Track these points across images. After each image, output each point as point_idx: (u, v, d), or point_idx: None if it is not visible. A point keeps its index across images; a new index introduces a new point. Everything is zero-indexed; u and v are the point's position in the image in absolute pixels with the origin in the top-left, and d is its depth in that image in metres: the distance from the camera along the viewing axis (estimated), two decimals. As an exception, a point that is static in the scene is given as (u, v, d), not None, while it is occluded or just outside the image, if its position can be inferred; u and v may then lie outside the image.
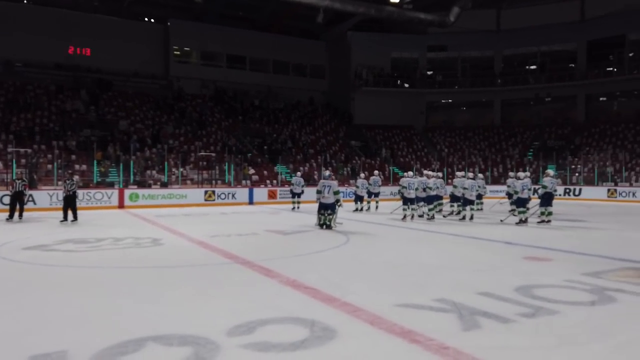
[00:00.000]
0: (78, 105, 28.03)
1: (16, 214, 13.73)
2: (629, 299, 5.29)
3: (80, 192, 18.48)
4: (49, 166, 21.35)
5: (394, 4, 28.60)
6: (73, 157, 22.81)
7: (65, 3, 29.57)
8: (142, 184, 21.89)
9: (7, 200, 14.80)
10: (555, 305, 5.00)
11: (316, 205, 12.26)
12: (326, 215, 11.85)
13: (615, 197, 24.24)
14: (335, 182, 12.54)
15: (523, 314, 4.72)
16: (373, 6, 28.34)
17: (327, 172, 13.11)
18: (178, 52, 34.75)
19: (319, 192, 12.06)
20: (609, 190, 24.90)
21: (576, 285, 5.89)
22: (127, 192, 19.68)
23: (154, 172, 23.52)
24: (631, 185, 25.41)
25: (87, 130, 25.94)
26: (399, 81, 37.97)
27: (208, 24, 34.02)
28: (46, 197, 17.68)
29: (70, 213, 13.18)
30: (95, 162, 21.61)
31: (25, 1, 30.22)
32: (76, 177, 15.45)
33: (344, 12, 29.39)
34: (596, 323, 4.49)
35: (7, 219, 13.57)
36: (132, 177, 21.97)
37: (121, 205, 19.24)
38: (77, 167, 21.99)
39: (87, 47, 31.30)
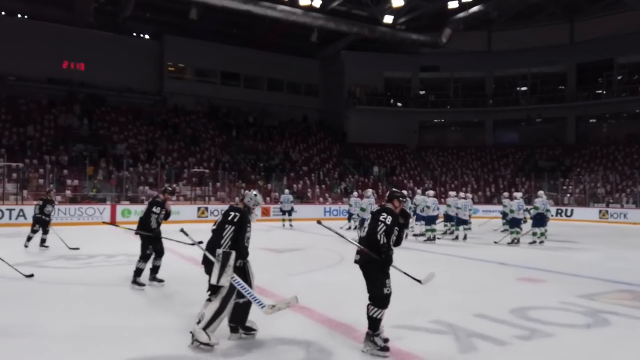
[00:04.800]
0: (71, 120, 27.92)
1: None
2: (623, 321, 5.31)
3: (71, 208, 18.41)
4: (40, 181, 21.17)
5: (387, 25, 28.96)
6: (65, 171, 22.65)
7: (60, 18, 29.54)
8: (134, 200, 21.74)
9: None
10: (550, 327, 5.01)
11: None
12: None
13: (607, 218, 24.36)
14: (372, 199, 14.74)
15: (519, 336, 4.72)
16: (366, 26, 28.76)
17: (370, 191, 15.27)
18: (172, 68, 34.85)
19: (362, 209, 14.42)
20: (600, 211, 25.00)
21: (570, 307, 5.91)
22: (120, 208, 19.54)
23: (146, 187, 23.39)
24: (622, 206, 25.58)
25: (80, 145, 25.80)
26: (392, 100, 38.29)
27: (202, 41, 34.18)
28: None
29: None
30: (88, 177, 21.47)
31: (19, 15, 30.22)
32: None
33: (338, 32, 29.77)
34: (592, 346, 4.50)
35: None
36: (124, 192, 21.83)
37: (113, 222, 19.08)
38: (69, 182, 21.84)
39: (81, 61, 31.28)
